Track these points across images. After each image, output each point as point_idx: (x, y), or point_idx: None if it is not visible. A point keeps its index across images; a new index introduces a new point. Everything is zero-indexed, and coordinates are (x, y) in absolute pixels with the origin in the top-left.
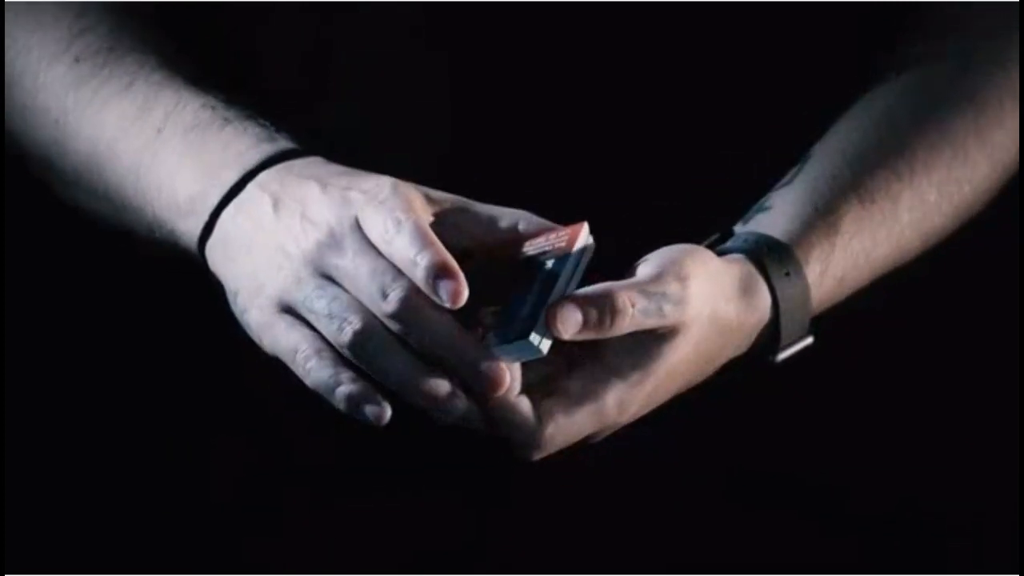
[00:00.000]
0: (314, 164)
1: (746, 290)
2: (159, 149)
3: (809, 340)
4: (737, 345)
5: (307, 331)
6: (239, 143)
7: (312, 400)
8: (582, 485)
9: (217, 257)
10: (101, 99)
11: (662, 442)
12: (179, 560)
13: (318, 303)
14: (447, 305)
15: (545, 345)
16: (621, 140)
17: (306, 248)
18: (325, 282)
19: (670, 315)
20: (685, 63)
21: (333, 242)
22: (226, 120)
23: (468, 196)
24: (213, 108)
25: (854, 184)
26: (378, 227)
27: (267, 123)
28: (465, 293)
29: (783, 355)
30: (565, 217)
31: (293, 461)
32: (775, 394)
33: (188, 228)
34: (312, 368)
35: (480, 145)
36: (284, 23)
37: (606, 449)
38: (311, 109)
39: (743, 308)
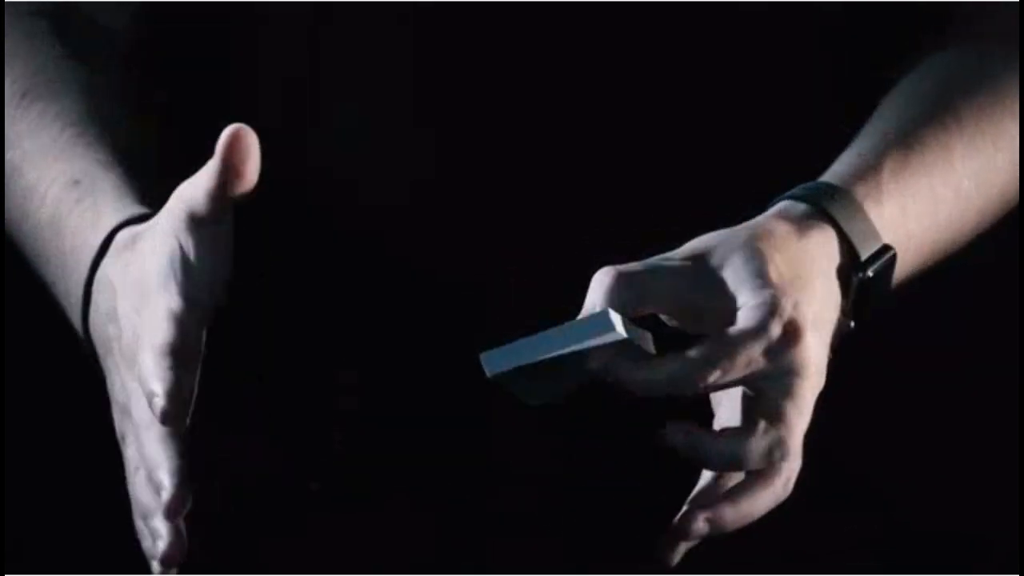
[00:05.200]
0: (121, 266)
1: (782, 212)
2: (37, 238)
3: (893, 252)
4: (814, 261)
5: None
6: (82, 234)
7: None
8: (583, 485)
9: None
10: (10, 164)
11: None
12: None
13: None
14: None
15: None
16: (616, 165)
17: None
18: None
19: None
20: (684, 68)
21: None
22: (80, 199)
23: (456, 216)
24: (77, 183)
25: (898, 135)
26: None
27: (128, 180)
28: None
29: (874, 267)
30: (556, 232)
31: (290, 464)
32: None
33: (76, 325)
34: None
35: (468, 163)
36: (270, 38)
37: (601, 458)
38: (297, 129)
39: (789, 224)
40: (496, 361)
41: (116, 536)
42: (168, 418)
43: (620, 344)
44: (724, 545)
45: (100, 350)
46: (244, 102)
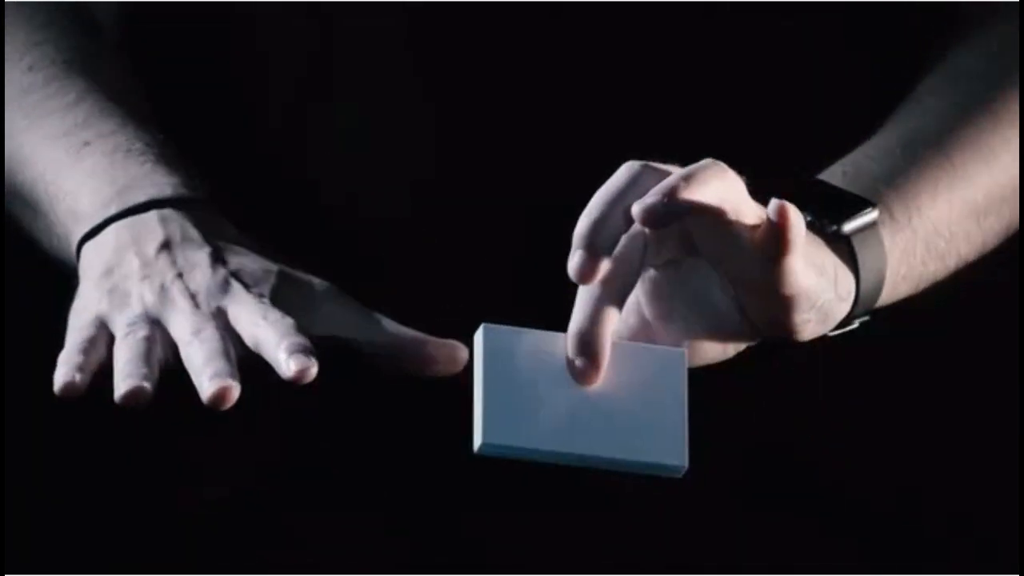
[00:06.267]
0: (220, 227)
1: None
2: (81, 158)
3: (874, 213)
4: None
5: (81, 337)
6: (161, 177)
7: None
8: (578, 485)
9: (85, 259)
10: (45, 109)
11: None
12: (176, 560)
13: (127, 317)
14: (289, 376)
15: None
16: (615, 156)
17: (154, 298)
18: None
19: None
20: (688, 69)
21: (183, 306)
22: (160, 156)
23: (456, 217)
24: (148, 145)
25: (928, 140)
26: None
27: (194, 172)
28: (312, 372)
29: (850, 224)
30: (556, 232)
31: (295, 463)
32: (774, 392)
33: (78, 231)
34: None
35: (468, 164)
36: (272, 36)
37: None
38: (296, 130)
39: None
40: (479, 433)
41: (116, 536)
42: (305, 372)
43: (498, 336)
44: (721, 545)
45: (113, 248)
46: (243, 102)
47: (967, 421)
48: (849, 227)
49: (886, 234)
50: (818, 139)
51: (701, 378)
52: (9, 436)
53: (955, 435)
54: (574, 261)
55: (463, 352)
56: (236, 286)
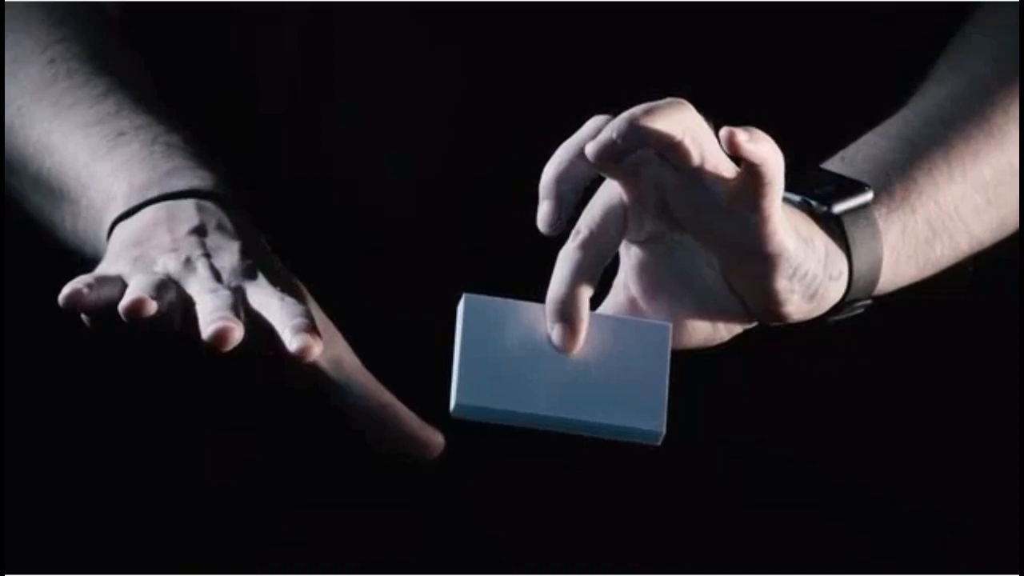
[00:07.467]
0: (253, 230)
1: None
2: (118, 146)
3: (868, 195)
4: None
5: (98, 272)
6: (204, 171)
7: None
8: (577, 476)
9: (115, 236)
10: (72, 99)
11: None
12: (177, 560)
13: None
14: (292, 352)
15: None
16: None
17: (177, 265)
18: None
19: None
20: (696, 68)
21: (204, 272)
22: (196, 153)
23: (468, 196)
24: (185, 140)
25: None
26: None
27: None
28: (315, 351)
29: (841, 205)
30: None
31: (292, 458)
32: (776, 390)
33: (113, 211)
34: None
35: (482, 145)
36: (283, 24)
37: (600, 448)
38: (313, 109)
39: None
40: (453, 394)
41: (117, 536)
42: (308, 351)
43: (479, 304)
44: (721, 543)
45: (146, 224)
46: (245, 100)
47: (967, 421)
48: (840, 208)
49: (881, 214)
50: (821, 138)
51: (701, 378)
52: (9, 432)
53: (955, 435)
54: (540, 212)
55: (439, 439)
56: (261, 276)
